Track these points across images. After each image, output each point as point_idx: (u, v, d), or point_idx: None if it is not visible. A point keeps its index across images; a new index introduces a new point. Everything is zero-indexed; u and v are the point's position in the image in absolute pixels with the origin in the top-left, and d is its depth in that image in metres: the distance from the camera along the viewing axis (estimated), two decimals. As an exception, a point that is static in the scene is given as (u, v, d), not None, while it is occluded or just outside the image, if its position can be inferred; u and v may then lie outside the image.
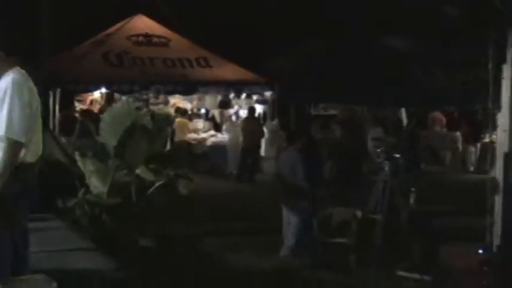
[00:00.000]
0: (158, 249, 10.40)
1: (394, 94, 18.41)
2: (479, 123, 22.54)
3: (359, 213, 11.81)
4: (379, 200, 11.60)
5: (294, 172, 12.38)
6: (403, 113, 24.10)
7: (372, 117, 25.69)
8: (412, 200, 12.20)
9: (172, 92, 22.74)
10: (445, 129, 25.97)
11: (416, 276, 10.82)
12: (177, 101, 24.53)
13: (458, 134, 24.46)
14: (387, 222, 11.45)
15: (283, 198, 12.51)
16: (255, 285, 10.57)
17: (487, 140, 22.69)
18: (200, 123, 24.26)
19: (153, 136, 11.11)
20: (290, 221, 12.31)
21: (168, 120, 14.06)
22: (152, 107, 21.38)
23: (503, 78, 10.83)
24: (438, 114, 26.00)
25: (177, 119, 21.68)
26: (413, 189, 12.31)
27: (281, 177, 12.75)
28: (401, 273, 11.00)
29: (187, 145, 22.04)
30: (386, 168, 11.64)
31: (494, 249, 10.53)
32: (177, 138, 21.62)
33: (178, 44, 22.79)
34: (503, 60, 10.83)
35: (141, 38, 22.59)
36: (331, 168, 13.29)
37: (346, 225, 11.76)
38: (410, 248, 11.41)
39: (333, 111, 24.37)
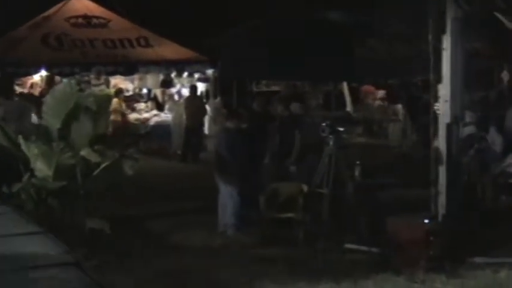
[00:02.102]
0: (105, 231, 10.27)
1: (335, 69, 18.54)
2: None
3: (305, 188, 11.83)
4: (325, 173, 11.63)
5: (231, 149, 12.36)
6: (345, 88, 24.24)
7: (314, 92, 25.90)
8: (357, 173, 12.28)
9: (113, 73, 22.48)
10: (384, 102, 26.17)
11: (364, 248, 10.89)
12: (119, 81, 24.26)
13: (399, 106, 24.60)
14: (334, 195, 11.49)
15: (220, 174, 12.46)
16: (203, 264, 10.52)
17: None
18: (142, 104, 24.07)
19: (97, 117, 10.96)
20: (229, 197, 12.28)
21: (109, 101, 13.90)
22: (94, 88, 21.13)
23: (443, 49, 10.92)
24: (369, 87, 26.18)
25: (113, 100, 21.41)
26: (358, 162, 12.38)
27: (218, 154, 12.73)
28: (349, 245, 11.06)
29: (124, 126, 21.74)
30: (331, 142, 11.67)
31: (440, 218, 10.68)
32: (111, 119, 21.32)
33: (118, 24, 22.51)
34: (442, 31, 10.91)
35: (80, 20, 22.26)
36: (278, 144, 13.27)
37: (293, 200, 11.77)
38: (358, 221, 11.48)
39: (275, 88, 24.42)
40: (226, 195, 12.33)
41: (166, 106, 23.47)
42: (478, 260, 10.26)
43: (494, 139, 16.61)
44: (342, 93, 24.66)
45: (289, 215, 11.71)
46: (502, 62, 22.75)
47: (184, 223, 12.81)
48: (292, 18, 18.23)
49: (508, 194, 14.31)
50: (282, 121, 13.56)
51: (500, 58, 20.50)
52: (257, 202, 11.97)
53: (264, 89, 24.79)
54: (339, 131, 11.84)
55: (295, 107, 13.84)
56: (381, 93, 26.49)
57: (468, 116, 16.19)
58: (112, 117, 20.35)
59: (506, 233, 11.57)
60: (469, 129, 15.64)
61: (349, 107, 24.47)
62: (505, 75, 24.52)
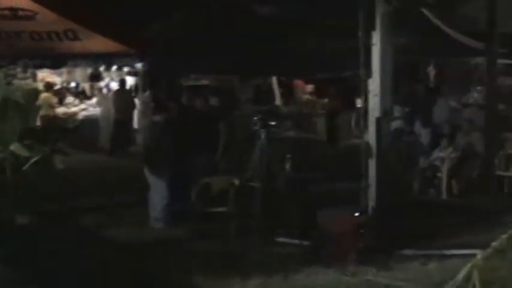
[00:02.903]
0: (35, 226, 10.15)
1: (266, 63, 18.59)
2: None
3: (237, 181, 11.83)
4: (257, 167, 11.66)
5: (158, 142, 12.32)
6: (275, 82, 24.33)
7: (243, 86, 25.92)
8: (288, 167, 12.34)
9: (40, 66, 22.10)
10: (313, 97, 26.37)
11: (296, 241, 10.96)
12: (46, 75, 23.91)
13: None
14: (265, 189, 11.52)
15: (149, 168, 12.41)
16: (134, 258, 10.46)
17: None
18: (70, 98, 23.78)
19: (26, 112, 10.81)
20: (159, 191, 12.24)
21: (37, 95, 13.72)
22: (20, 82, 20.78)
23: (373, 44, 11.04)
24: (299, 82, 26.35)
25: (42, 94, 21.13)
26: (288, 155, 12.44)
27: (146, 147, 12.68)
28: (281, 239, 11.12)
29: (53, 120, 21.45)
30: (263, 136, 11.70)
31: (370, 211, 10.81)
32: (42, 113, 21.05)
33: (45, 17, 22.13)
34: (372, 27, 11.04)
35: (6, 12, 21.82)
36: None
37: (225, 193, 11.78)
38: (289, 214, 11.54)
39: (204, 82, 24.37)
40: (156, 189, 12.29)
41: (95, 100, 23.24)
42: (407, 252, 10.42)
43: (421, 133, 16.94)
44: (271, 88, 24.76)
45: (221, 209, 11.70)
46: (428, 57, 23.16)
47: (114, 218, 12.71)
48: (225, 10, 18.19)
49: (436, 187, 14.61)
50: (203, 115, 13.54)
51: (427, 53, 20.83)
52: (188, 196, 11.94)
53: (193, 82, 24.71)
54: (270, 125, 11.88)
55: (214, 101, 13.90)
56: (310, 87, 26.75)
57: (396, 111, 16.49)
58: (43, 111, 20.15)
59: (434, 225, 11.83)
60: (397, 124, 15.95)
61: (278, 101, 24.58)
62: (431, 70, 24.98)
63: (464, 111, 19.26)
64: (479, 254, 7.93)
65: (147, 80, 22.38)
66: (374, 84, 11.06)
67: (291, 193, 11.78)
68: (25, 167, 10.41)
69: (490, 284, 7.82)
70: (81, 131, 21.77)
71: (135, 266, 10.11)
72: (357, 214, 10.37)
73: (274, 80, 24.59)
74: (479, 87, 24.64)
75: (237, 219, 11.55)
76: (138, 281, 9.57)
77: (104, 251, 10.82)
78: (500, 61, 16.31)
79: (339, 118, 22.46)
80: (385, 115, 11.07)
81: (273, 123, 12.04)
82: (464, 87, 25.02)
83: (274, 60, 18.00)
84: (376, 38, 11.00)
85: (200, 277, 9.56)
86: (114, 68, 22.69)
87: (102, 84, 24.05)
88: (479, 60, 24.25)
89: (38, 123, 17.37)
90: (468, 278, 7.51)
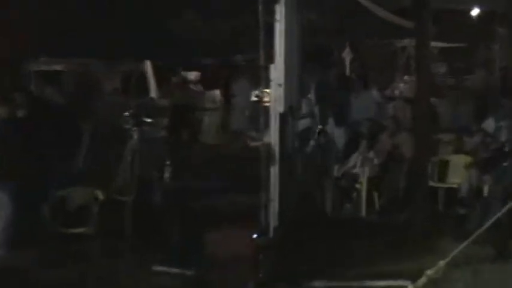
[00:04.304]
0: None
1: (137, 44, 18.57)
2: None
3: (101, 194, 11.79)
4: (127, 176, 11.65)
5: (2, 143, 12.20)
6: (149, 67, 24.27)
7: (108, 73, 25.78)
8: (167, 175, 12.36)
9: None
10: (198, 87, 26.48)
11: (176, 270, 10.97)
12: None
13: (217, 92, 24.91)
14: (138, 203, 11.52)
15: None
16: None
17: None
18: None
19: None
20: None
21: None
22: None
23: (276, 21, 11.09)
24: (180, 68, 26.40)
25: None
26: (167, 161, 12.47)
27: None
28: (157, 267, 11.10)
29: None
30: (135, 136, 11.69)
31: (271, 232, 10.88)
32: None
33: None
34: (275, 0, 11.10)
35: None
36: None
37: (86, 209, 11.73)
38: (168, 235, 11.56)
39: (57, 67, 24.15)
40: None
41: None
42: (317, 284, 10.54)
43: (335, 133, 17.11)
44: (144, 75, 24.68)
45: (80, 229, 11.64)
46: (344, 37, 23.52)
47: None
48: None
49: (353, 201, 14.78)
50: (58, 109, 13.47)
51: (341, 33, 21.14)
52: (39, 214, 11.83)
53: (44, 67, 24.47)
54: (145, 122, 11.89)
55: (71, 91, 13.86)
56: (195, 75, 26.77)
57: (304, 105, 16.69)
58: None
59: (351, 249, 11.98)
60: (305, 122, 16.13)
61: (153, 93, 24.53)
62: (347, 54, 25.33)
63: (388, 106, 19.60)
64: (408, 285, 8.10)
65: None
66: (277, 72, 11.13)
67: (170, 208, 11.81)
68: None
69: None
70: None
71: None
72: (254, 235, 10.45)
73: (148, 65, 24.54)
74: (406, 77, 25.23)
75: (101, 242, 11.50)
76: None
77: None
78: (434, 44, 16.66)
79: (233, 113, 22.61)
80: (291, 110, 11.16)
81: (148, 120, 12.06)
82: (388, 76, 25.54)
83: (147, 40, 18.00)
84: (279, 13, 11.08)
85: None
86: None
87: None
88: (407, 42, 24.91)
89: None
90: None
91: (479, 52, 30.01)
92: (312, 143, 15.92)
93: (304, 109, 16.23)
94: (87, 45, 18.43)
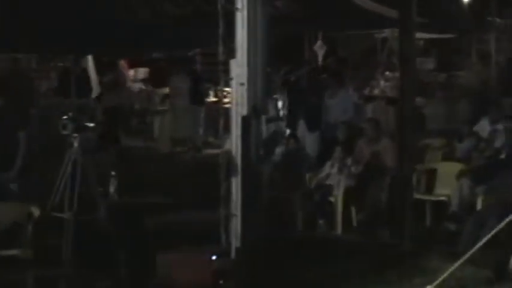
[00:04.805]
0: None
1: (75, 36, 18.50)
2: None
3: (36, 211, 11.76)
4: (67, 189, 11.65)
5: None
6: (91, 63, 24.21)
7: (43, 70, 25.74)
8: (112, 189, 12.39)
9: None
10: (148, 86, 26.51)
11: (125, 298, 11.04)
12: None
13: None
14: (79, 221, 11.52)
15: None
16: None
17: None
18: None
19: None
20: None
21: None
22: None
23: (237, 9, 11.13)
24: (124, 64, 26.38)
25: None
26: (113, 172, 12.49)
27: None
28: (103, 295, 11.16)
29: None
30: (76, 143, 11.69)
31: (233, 253, 10.93)
32: None
33: None
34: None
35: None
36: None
37: (18, 228, 11.70)
38: (115, 257, 11.57)
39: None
40: None
41: None
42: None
43: (307, 138, 17.16)
44: (86, 73, 24.64)
45: (11, 251, 11.61)
46: (316, 28, 23.59)
47: None
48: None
49: (327, 216, 14.81)
50: None
51: (314, 23, 21.17)
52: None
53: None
54: (86, 127, 11.90)
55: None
56: (143, 72, 26.82)
57: (271, 107, 16.75)
58: None
59: (325, 273, 12.02)
60: (272, 125, 16.20)
61: (96, 93, 24.48)
62: (319, 48, 25.43)
63: (367, 107, 19.72)
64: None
65: None
66: (239, 68, 11.18)
67: (117, 227, 11.82)
68: None
69: None
70: None
71: None
72: (214, 257, 10.50)
73: (90, 60, 24.49)
74: (388, 73, 25.35)
75: (36, 266, 11.48)
76: None
77: None
78: (419, 35, 16.72)
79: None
80: (256, 113, 11.21)
81: (91, 124, 12.07)
82: (366, 73, 25.65)
83: (87, 32, 17.91)
84: (242, 1, 11.13)
85: None
86: None
87: None
88: (389, 33, 24.99)
89: None
90: None
91: (472, 44, 30.09)
92: (279, 150, 15.98)
93: (271, 111, 16.27)
94: (16, 37, 18.25)
